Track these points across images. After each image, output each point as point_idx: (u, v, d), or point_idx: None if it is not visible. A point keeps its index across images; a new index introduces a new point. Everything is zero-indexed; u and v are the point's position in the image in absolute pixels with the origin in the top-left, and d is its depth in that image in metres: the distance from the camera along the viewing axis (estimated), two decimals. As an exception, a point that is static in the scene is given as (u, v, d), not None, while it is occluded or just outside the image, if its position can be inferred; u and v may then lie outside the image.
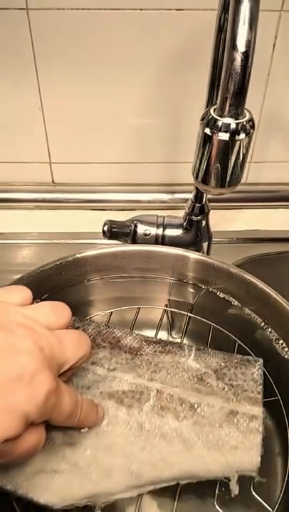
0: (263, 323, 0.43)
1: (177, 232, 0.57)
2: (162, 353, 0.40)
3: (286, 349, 0.41)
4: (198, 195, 0.54)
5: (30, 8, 0.54)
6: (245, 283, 0.44)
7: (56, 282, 0.44)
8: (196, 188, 0.52)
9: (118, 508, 0.38)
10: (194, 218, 0.56)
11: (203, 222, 0.56)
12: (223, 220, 0.69)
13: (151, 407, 0.36)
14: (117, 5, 0.55)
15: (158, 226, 0.57)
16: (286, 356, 0.41)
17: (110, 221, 0.57)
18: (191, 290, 0.48)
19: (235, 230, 0.69)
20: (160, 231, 0.57)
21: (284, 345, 0.41)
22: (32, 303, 0.32)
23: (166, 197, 0.71)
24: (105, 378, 0.38)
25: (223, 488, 0.35)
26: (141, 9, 0.55)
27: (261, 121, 0.66)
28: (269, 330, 0.42)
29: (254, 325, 0.43)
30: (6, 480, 0.33)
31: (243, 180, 0.71)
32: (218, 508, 0.35)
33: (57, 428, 0.34)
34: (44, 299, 0.45)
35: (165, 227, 0.57)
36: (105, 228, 0.57)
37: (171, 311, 0.50)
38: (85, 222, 0.68)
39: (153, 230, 0.57)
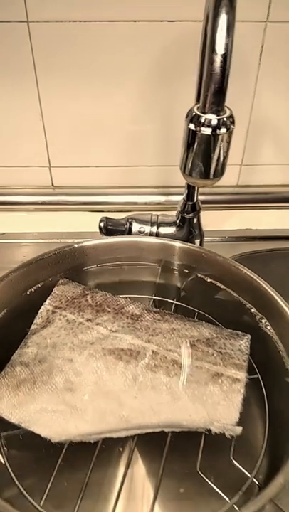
0: (247, 306, 0.45)
1: (170, 229, 0.60)
2: (160, 321, 0.44)
3: (268, 326, 0.44)
4: (190, 194, 0.56)
5: (30, 20, 0.58)
6: (232, 271, 0.47)
7: (55, 270, 0.46)
8: (188, 186, 0.55)
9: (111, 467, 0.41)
10: (186, 216, 0.58)
11: (195, 220, 0.59)
12: (215, 221, 0.72)
13: (146, 364, 0.40)
14: (112, 17, 0.58)
15: (152, 224, 0.60)
16: (265, 330, 0.43)
17: (106, 218, 0.60)
18: (179, 277, 0.51)
19: (227, 229, 0.71)
20: (154, 229, 0.60)
21: (267, 323, 0.44)
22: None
23: (161, 198, 0.74)
24: (107, 337, 0.42)
25: (206, 456, 0.38)
26: (135, 21, 0.58)
27: (250, 126, 0.69)
28: (252, 311, 0.45)
29: (238, 308, 0.46)
30: (11, 415, 0.38)
31: (234, 183, 0.76)
32: (201, 474, 0.37)
33: (59, 375, 0.39)
34: (43, 285, 0.47)
35: (159, 225, 0.60)
36: (101, 224, 0.59)
37: (159, 300, 0.52)
38: (83, 223, 0.71)
39: (147, 228, 0.60)
